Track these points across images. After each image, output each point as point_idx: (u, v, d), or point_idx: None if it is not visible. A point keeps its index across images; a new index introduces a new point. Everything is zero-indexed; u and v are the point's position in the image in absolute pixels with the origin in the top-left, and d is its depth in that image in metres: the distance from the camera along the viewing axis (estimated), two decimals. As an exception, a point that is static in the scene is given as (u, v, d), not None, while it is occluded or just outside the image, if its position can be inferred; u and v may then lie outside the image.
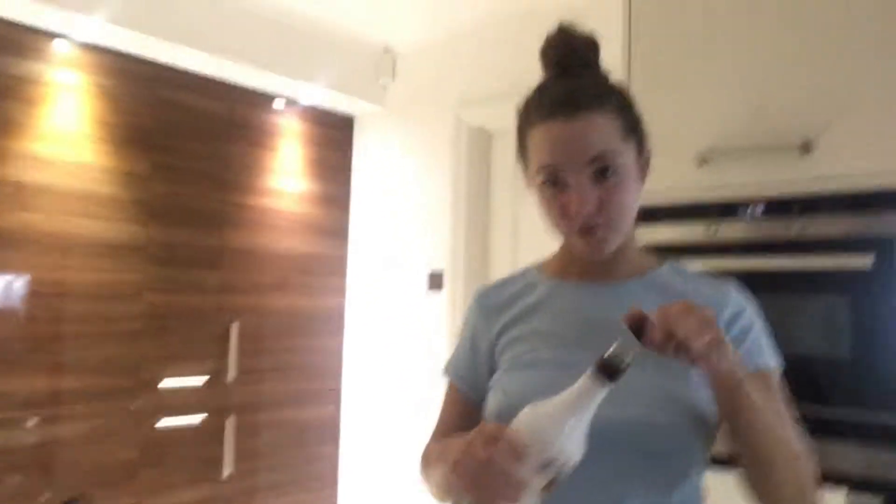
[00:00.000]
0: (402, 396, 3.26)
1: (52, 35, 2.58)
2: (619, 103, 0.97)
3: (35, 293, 2.51)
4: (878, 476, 1.46)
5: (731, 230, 1.68)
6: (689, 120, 1.77)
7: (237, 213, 3.10)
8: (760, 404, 0.88)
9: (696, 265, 1.10)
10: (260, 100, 3.22)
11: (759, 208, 1.65)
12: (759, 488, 0.91)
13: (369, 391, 3.43)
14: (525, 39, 1.55)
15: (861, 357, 1.51)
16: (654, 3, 1.88)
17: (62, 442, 2.56)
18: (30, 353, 2.49)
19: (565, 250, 1.07)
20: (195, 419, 2.92)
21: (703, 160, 1.71)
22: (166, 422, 2.82)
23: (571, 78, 0.98)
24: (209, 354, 2.98)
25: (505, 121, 1.35)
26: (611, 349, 0.76)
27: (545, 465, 0.76)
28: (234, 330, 3.03)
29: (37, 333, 2.51)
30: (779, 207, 1.63)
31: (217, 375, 2.99)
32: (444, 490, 0.95)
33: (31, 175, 2.52)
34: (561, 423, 0.76)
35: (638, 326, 0.81)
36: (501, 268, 3.09)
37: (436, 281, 3.18)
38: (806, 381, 1.54)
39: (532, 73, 1.05)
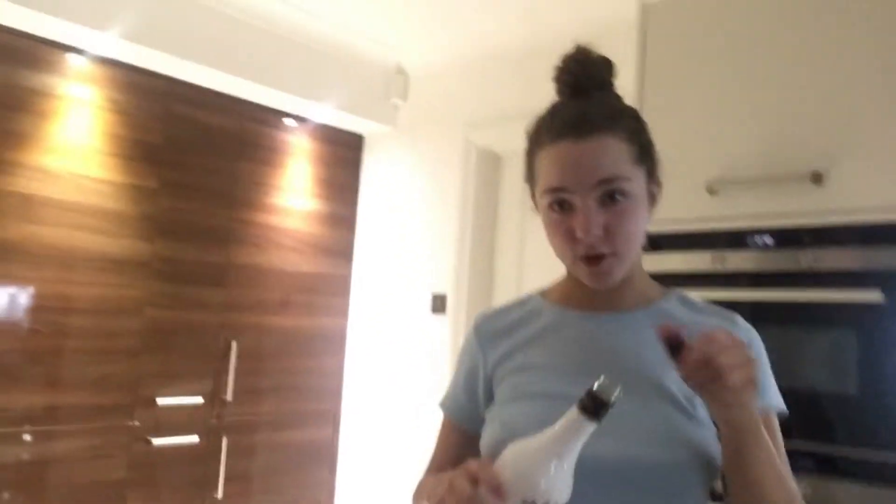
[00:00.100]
0: (402, 420, 3.23)
1: (66, 48, 2.60)
2: (632, 127, 0.96)
3: (38, 306, 2.50)
4: (885, 517, 1.43)
5: (739, 260, 1.67)
6: (699, 148, 1.76)
7: (243, 231, 3.10)
8: (769, 445, 0.86)
9: (702, 295, 1.08)
10: (270, 117, 3.22)
11: (768, 239, 1.63)
12: None
13: (369, 414, 3.39)
14: (535, 64, 1.55)
15: (868, 394, 1.48)
16: (667, 32, 1.88)
17: (56, 459, 2.53)
18: (29, 366, 2.48)
19: (570, 277, 1.04)
20: (191, 438, 2.89)
21: (713, 189, 1.71)
22: (162, 440, 2.79)
23: (584, 99, 0.96)
24: (208, 373, 2.96)
25: (514, 143, 1.35)
26: (595, 385, 0.73)
27: None
28: (234, 348, 3.00)
29: (38, 347, 2.50)
30: (788, 239, 1.61)
31: (215, 394, 2.97)
32: None
33: (38, 188, 2.52)
34: (545, 462, 0.74)
35: (673, 343, 0.79)
36: (505, 292, 3.07)
37: (439, 303, 3.16)
38: (812, 418, 1.51)
39: (542, 97, 1.04)
